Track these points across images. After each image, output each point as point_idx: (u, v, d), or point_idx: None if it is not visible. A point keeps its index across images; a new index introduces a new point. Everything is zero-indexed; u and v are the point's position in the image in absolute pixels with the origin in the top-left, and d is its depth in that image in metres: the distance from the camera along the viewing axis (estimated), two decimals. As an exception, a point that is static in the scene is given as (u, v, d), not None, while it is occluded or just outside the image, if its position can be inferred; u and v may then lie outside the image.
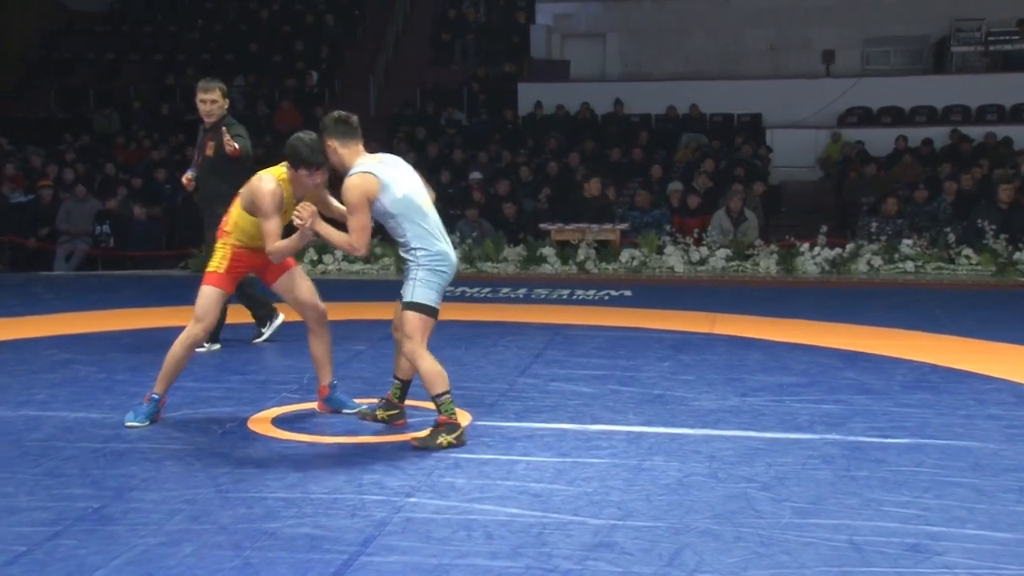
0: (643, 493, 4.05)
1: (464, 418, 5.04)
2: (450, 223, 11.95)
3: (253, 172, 5.21)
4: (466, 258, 11.22)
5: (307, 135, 4.91)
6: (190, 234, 11.98)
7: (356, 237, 4.69)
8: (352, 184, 4.66)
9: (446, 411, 4.65)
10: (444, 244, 4.79)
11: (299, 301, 5.23)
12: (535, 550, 3.48)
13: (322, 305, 5.23)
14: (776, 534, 3.62)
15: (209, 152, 6.90)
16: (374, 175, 4.65)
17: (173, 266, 12.01)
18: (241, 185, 5.23)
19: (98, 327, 7.62)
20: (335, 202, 5.13)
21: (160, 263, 12.37)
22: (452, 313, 8.38)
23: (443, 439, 4.61)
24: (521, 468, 4.36)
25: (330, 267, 11.28)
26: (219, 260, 5.14)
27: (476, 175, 14.06)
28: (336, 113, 4.86)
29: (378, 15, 20.43)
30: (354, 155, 4.76)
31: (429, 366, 4.65)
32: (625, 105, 16.75)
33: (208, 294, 5.08)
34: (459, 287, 9.78)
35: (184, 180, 7.11)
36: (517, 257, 11.32)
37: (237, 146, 6.66)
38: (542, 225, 11.84)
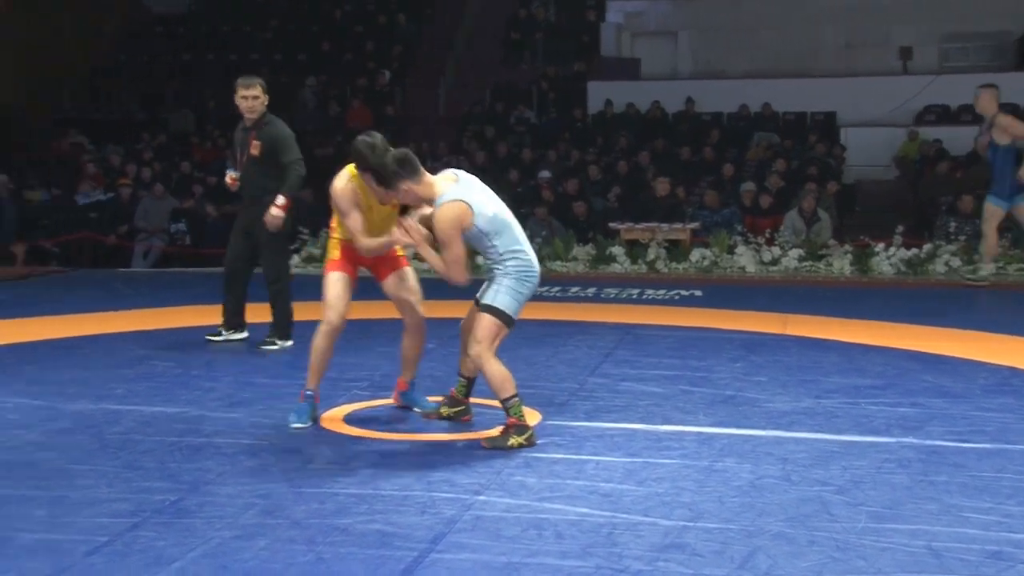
0: (714, 495, 4.01)
1: (534, 417, 5.04)
2: (519, 222, 11.96)
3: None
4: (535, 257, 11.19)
5: (371, 137, 4.83)
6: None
7: (453, 271, 4.67)
8: (443, 216, 4.59)
9: (515, 414, 4.64)
10: (532, 255, 4.79)
11: (401, 301, 5.18)
12: (605, 550, 3.47)
13: (421, 312, 5.21)
14: (852, 539, 3.56)
15: (255, 151, 6.86)
16: (464, 202, 4.60)
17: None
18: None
19: (174, 323, 7.76)
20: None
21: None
22: (522, 312, 8.38)
23: (513, 440, 4.61)
24: (591, 468, 4.35)
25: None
26: (331, 250, 5.19)
27: (545, 174, 14.05)
28: (392, 155, 4.67)
29: (449, 15, 20.54)
30: (428, 185, 4.67)
31: (496, 370, 4.64)
32: (696, 103, 16.61)
33: (331, 280, 5.10)
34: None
35: (228, 180, 7.03)
36: (586, 256, 11.28)
37: (280, 223, 6.77)
38: (612, 224, 11.79)
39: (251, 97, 6.87)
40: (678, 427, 4.97)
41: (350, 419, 5.15)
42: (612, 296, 9.42)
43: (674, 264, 11.02)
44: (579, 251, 11.35)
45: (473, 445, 4.69)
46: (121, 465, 4.36)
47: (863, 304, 8.90)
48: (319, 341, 5.07)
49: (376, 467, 4.35)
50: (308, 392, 5.10)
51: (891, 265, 10.70)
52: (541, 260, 10.94)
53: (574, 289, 9.78)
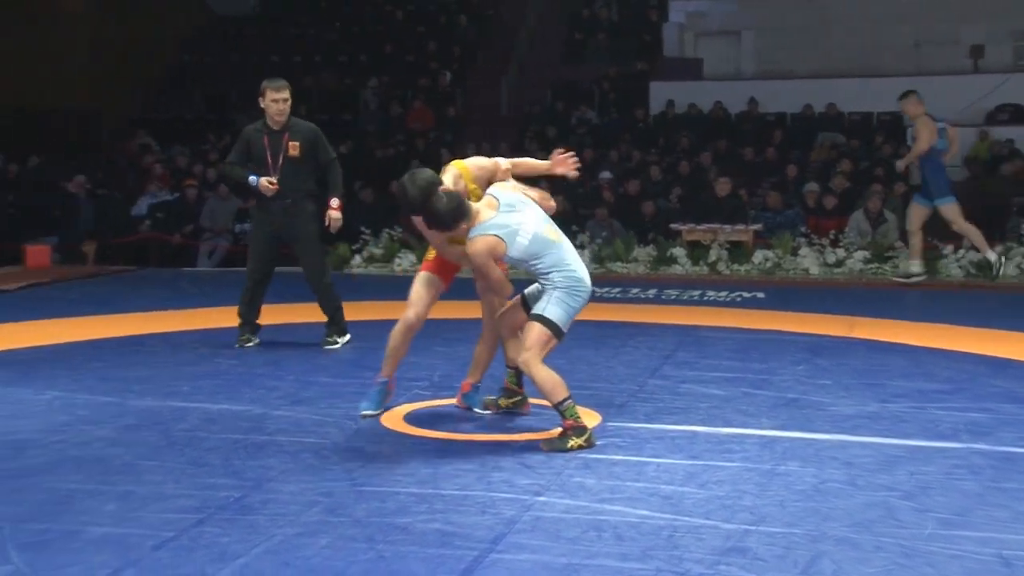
0: (777, 498, 3.96)
1: (593, 419, 5.03)
2: (580, 223, 11.96)
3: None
4: (596, 258, 11.19)
5: (419, 177, 4.69)
6: (325, 232, 12.27)
7: (498, 290, 4.82)
8: (475, 249, 4.64)
9: (570, 416, 4.62)
10: (580, 270, 4.78)
11: (490, 302, 5.17)
12: (666, 553, 3.44)
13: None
14: (919, 545, 3.50)
15: (294, 152, 6.89)
16: (496, 236, 4.61)
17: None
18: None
19: (238, 321, 7.84)
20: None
21: (296, 260, 12.67)
22: (581, 313, 8.33)
23: (573, 442, 4.59)
24: (651, 470, 4.32)
25: (461, 265, 11.38)
26: (428, 252, 5.25)
27: (606, 174, 14.01)
28: (443, 202, 4.60)
29: (511, 15, 20.56)
30: (475, 217, 4.69)
31: (544, 376, 4.62)
32: (759, 104, 16.44)
33: (418, 279, 5.18)
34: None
35: (268, 184, 6.84)
36: (647, 257, 11.23)
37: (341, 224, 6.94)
38: (673, 225, 11.72)
39: (282, 100, 6.90)
40: (740, 430, 4.92)
41: (410, 418, 5.18)
42: (673, 297, 9.36)
43: (736, 266, 10.93)
44: (640, 252, 11.30)
45: (532, 446, 4.68)
46: (187, 461, 4.43)
47: (931, 307, 8.75)
48: (394, 334, 5.19)
49: (436, 467, 4.37)
50: (381, 379, 5.19)
51: (960, 268, 10.51)
52: (600, 261, 11.07)
53: (634, 290, 9.74)
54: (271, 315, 8.14)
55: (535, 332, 4.66)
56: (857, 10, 17.75)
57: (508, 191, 4.81)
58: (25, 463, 4.42)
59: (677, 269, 10.99)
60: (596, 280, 10.08)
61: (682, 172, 13.96)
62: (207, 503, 3.90)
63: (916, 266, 10.13)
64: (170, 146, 17.11)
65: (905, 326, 7.76)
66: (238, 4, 21.61)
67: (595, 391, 5.62)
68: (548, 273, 4.71)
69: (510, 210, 4.70)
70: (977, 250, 10.12)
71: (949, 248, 10.67)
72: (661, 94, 17.00)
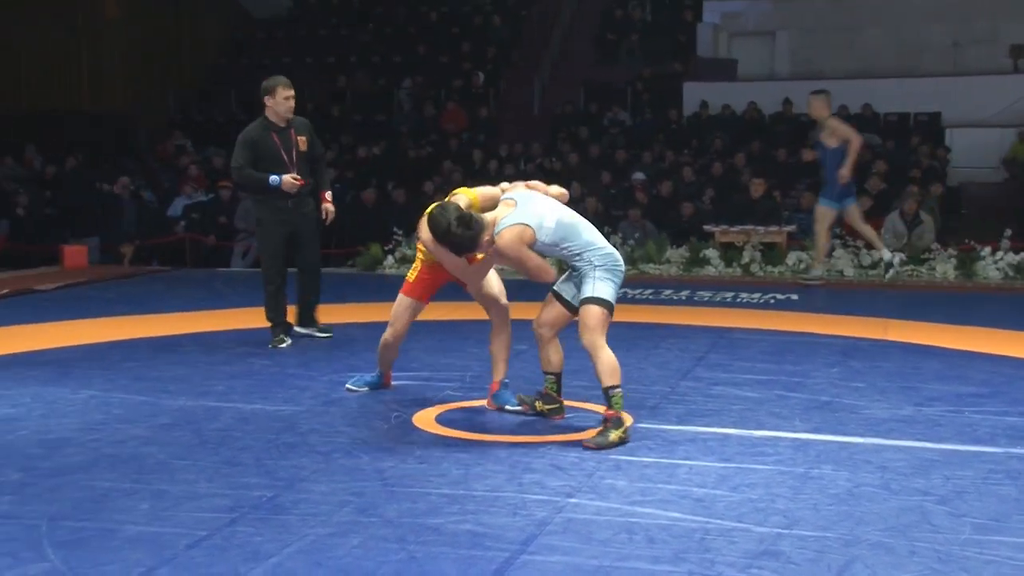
0: (810, 502, 3.93)
1: (626, 420, 5.01)
2: (613, 224, 11.94)
3: None
4: (628, 259, 11.14)
5: (450, 213, 4.65)
6: (358, 232, 12.34)
7: (540, 276, 4.80)
8: (505, 242, 4.66)
9: (616, 404, 4.66)
10: (610, 248, 4.85)
11: (485, 299, 5.29)
12: (698, 555, 3.42)
13: (505, 302, 5.30)
14: (955, 550, 3.46)
15: (304, 147, 7.05)
16: (524, 224, 4.66)
17: (341, 264, 12.36)
18: None
19: (270, 324, 7.89)
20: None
21: (328, 261, 12.75)
22: (613, 314, 8.33)
23: (614, 435, 4.62)
24: (683, 472, 4.30)
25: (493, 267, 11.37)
26: (411, 271, 5.50)
27: (639, 175, 13.96)
28: (452, 225, 4.59)
29: (544, 15, 20.55)
30: (492, 224, 4.71)
31: (608, 357, 4.69)
32: (795, 105, 16.33)
33: (398, 301, 5.51)
34: (620, 288, 9.72)
35: (296, 181, 6.88)
36: (680, 259, 11.19)
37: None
38: (706, 226, 11.66)
39: (293, 97, 7.12)
40: (773, 432, 4.89)
41: (442, 419, 5.19)
42: (706, 299, 9.32)
43: (769, 267, 10.86)
44: (672, 254, 11.26)
45: (563, 447, 4.67)
46: (220, 461, 4.46)
47: (968, 310, 8.65)
48: (380, 347, 5.70)
49: (468, 468, 4.37)
50: (379, 371, 5.76)
51: (998, 270, 10.38)
52: (633, 262, 11.03)
53: (667, 292, 9.70)
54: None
55: (594, 313, 4.72)
56: (894, 9, 17.59)
57: (521, 189, 4.90)
58: (61, 461, 4.47)
59: (710, 270, 10.94)
60: (629, 282, 10.14)
61: (715, 173, 13.89)
62: (240, 502, 3.93)
63: (818, 268, 10.24)
64: (205, 148, 17.27)
65: (940, 328, 7.68)
66: (273, 6, 21.75)
67: (627, 393, 5.56)
68: (582, 254, 4.76)
69: (528, 202, 4.77)
70: (873, 250, 10.31)
71: (987, 250, 10.54)
72: (695, 95, 16.94)
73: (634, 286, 9.95)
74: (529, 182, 5.10)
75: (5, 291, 9.54)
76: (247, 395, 5.66)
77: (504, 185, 5.13)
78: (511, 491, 4.06)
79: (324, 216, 7.19)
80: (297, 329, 7.28)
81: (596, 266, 4.76)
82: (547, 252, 4.85)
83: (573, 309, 4.89)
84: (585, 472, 4.30)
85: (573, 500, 3.96)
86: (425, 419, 5.18)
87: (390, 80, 18.86)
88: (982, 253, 10.55)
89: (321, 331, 7.32)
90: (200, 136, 18.03)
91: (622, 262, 4.88)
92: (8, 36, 17.10)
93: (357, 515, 3.81)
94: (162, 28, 19.98)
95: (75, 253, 11.81)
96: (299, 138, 7.03)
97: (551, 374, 5.11)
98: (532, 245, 4.72)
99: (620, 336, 7.15)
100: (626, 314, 8.19)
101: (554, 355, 5.04)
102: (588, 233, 4.82)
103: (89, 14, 18.65)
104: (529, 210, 4.73)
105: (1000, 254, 10.49)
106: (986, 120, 15.40)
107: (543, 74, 19.19)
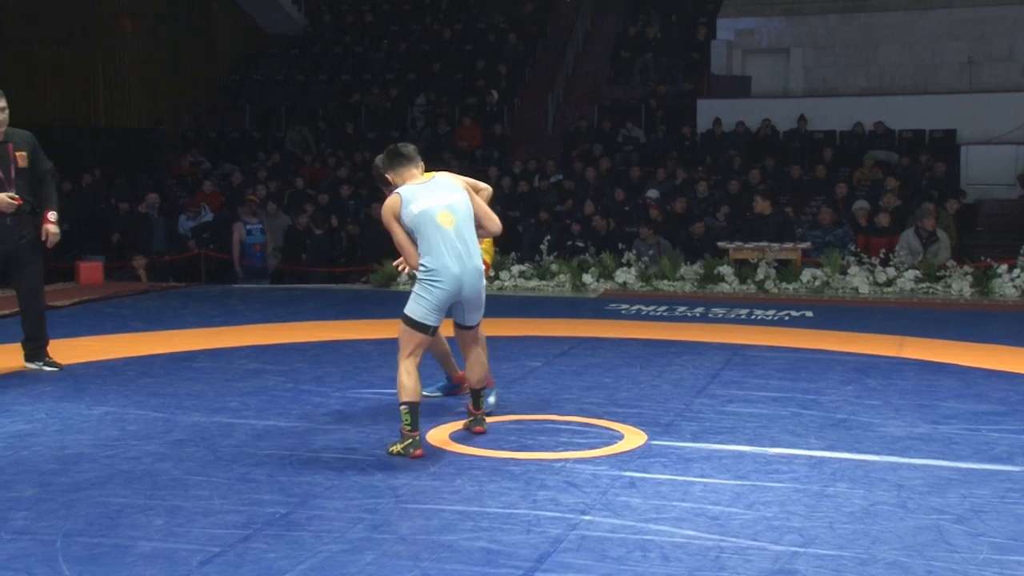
0: (826, 520, 3.91)
1: (639, 437, 5.01)
2: (626, 240, 11.93)
3: None
4: (642, 276, 11.15)
5: (396, 147, 5.20)
6: (372, 249, 12.36)
7: (404, 251, 5.05)
8: (383, 207, 5.08)
9: (403, 421, 4.81)
10: (448, 260, 4.92)
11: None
12: (712, 574, 3.40)
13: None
14: (972, 570, 3.43)
15: (23, 163, 6.60)
16: (398, 194, 4.98)
17: (356, 280, 12.40)
18: None
19: (285, 338, 7.92)
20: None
21: (344, 278, 12.80)
22: (628, 331, 8.34)
23: (393, 447, 4.81)
24: (698, 490, 4.28)
25: (506, 283, 11.39)
26: None
27: (653, 192, 13.96)
28: (391, 146, 5.19)
29: (558, 33, 20.62)
30: (402, 180, 5.08)
31: (402, 377, 4.85)
32: (809, 122, 16.33)
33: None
34: (634, 305, 9.73)
35: (12, 200, 6.46)
36: (694, 276, 11.17)
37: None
38: (720, 243, 11.64)
39: (5, 108, 6.46)
40: (788, 450, 4.87)
41: (456, 436, 5.18)
42: (720, 316, 9.29)
43: (784, 284, 10.83)
44: (686, 270, 11.24)
45: (577, 464, 4.65)
46: (234, 477, 4.46)
47: (984, 327, 8.61)
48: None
49: (481, 484, 4.36)
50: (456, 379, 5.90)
51: (1015, 287, 10.33)
52: (647, 279, 11.01)
53: (681, 308, 9.68)
54: (318, 332, 8.21)
55: (399, 329, 4.96)
56: (909, 27, 17.59)
57: (446, 175, 5.20)
58: (76, 477, 4.48)
59: (724, 287, 10.92)
60: (643, 298, 10.13)
61: (730, 190, 13.89)
62: (253, 519, 3.92)
63: None
64: (220, 164, 17.35)
65: (956, 346, 7.64)
66: (288, 24, 21.89)
67: (641, 410, 5.59)
68: (421, 261, 4.95)
69: (432, 183, 5.04)
70: None
71: (1003, 267, 10.50)
72: (708, 112, 16.95)
73: (648, 303, 9.93)
74: (466, 177, 5.39)
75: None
76: (261, 411, 5.67)
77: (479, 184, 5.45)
78: (525, 508, 4.05)
79: (44, 237, 6.61)
80: (27, 364, 6.77)
81: (419, 280, 4.96)
82: (410, 235, 5.01)
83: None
84: (599, 489, 4.28)
85: (587, 517, 3.94)
86: (439, 436, 5.17)
87: (404, 97, 18.94)
88: (998, 270, 10.51)
89: (48, 365, 6.76)
90: (215, 153, 18.13)
91: (447, 278, 4.91)
92: (24, 53, 17.23)
93: (371, 532, 3.80)
94: (176, 45, 20.12)
95: (90, 269, 11.86)
96: (18, 154, 6.52)
97: (471, 389, 5.32)
98: (398, 217, 4.94)
99: (634, 353, 7.16)
100: (640, 331, 8.18)
101: (475, 371, 5.24)
102: (431, 243, 4.93)
103: (105, 31, 18.80)
104: (417, 190, 4.98)
105: (1016, 271, 10.44)
106: (1001, 137, 15.36)
107: (557, 91, 19.24)
